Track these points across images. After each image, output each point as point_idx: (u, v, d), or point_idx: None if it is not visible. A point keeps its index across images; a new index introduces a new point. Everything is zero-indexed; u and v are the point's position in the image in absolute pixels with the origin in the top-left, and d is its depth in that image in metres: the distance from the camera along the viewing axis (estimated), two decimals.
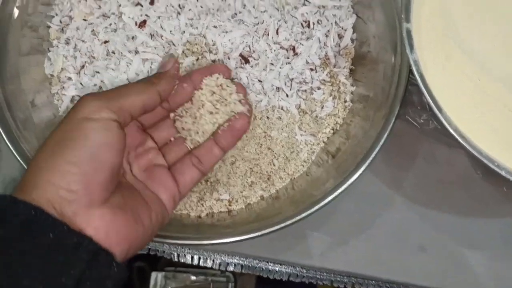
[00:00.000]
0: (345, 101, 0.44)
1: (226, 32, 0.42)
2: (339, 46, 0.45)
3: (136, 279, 0.93)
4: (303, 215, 0.38)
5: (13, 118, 0.40)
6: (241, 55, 0.42)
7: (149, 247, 0.47)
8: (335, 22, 0.44)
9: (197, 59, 0.42)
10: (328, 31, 0.44)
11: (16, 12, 0.42)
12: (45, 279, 0.27)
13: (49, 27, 0.44)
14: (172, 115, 0.40)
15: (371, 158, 0.39)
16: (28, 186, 0.29)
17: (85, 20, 0.43)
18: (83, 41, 0.43)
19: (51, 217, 0.28)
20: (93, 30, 0.43)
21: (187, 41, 0.42)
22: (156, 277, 0.87)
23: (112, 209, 0.30)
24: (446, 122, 0.36)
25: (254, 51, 0.43)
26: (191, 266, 0.79)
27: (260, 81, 0.42)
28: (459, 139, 0.35)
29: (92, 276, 0.28)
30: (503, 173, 0.34)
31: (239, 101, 0.39)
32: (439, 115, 0.36)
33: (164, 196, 0.35)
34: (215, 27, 0.42)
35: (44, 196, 0.28)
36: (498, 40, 0.38)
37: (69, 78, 0.43)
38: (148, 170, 0.37)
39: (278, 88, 0.43)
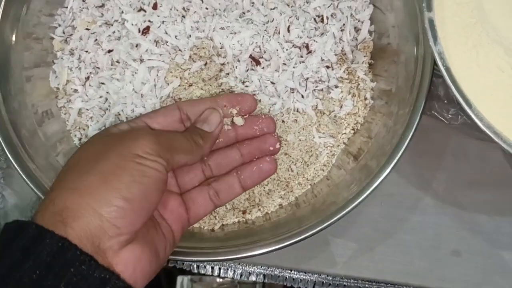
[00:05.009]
0: (365, 99, 0.42)
1: (234, 33, 0.40)
2: (356, 40, 0.43)
3: (164, 282, 0.93)
4: (325, 224, 0.36)
5: (19, 136, 0.39)
6: (251, 56, 0.40)
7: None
8: (351, 15, 0.42)
9: (205, 64, 0.40)
10: (344, 24, 0.42)
11: (17, 25, 0.41)
12: None
13: (52, 38, 0.43)
14: None
15: (396, 159, 0.37)
16: (70, 214, 0.28)
17: (87, 29, 0.42)
18: (86, 51, 0.42)
19: (79, 250, 0.27)
20: (96, 39, 0.42)
21: (194, 45, 0.40)
22: (182, 280, 0.86)
23: (140, 243, 0.30)
24: (477, 118, 0.33)
25: (265, 52, 0.41)
26: None
27: (272, 83, 0.40)
28: (493, 136, 0.33)
29: None
30: None
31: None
32: (469, 111, 0.33)
33: (174, 226, 0.34)
34: (222, 28, 0.40)
35: (86, 228, 0.27)
36: None
37: (75, 91, 0.42)
38: None
39: (292, 89, 0.41)
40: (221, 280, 0.88)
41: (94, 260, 0.27)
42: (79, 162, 0.31)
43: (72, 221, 0.27)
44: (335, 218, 0.36)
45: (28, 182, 0.37)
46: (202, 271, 0.48)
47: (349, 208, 0.36)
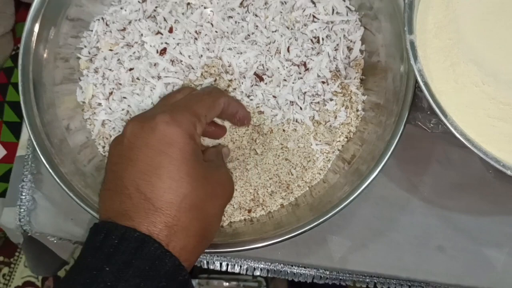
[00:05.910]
0: (357, 110, 0.46)
1: (241, 53, 0.45)
2: (349, 58, 0.46)
3: None
4: (321, 220, 0.40)
5: (51, 144, 0.43)
6: (255, 73, 0.45)
7: None
8: (344, 36, 0.46)
9: (215, 80, 0.45)
10: (337, 45, 0.45)
11: (48, 46, 0.45)
12: None
13: (79, 58, 0.48)
14: None
15: (383, 162, 0.40)
16: (186, 254, 0.33)
17: (111, 50, 0.47)
18: (110, 69, 0.46)
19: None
20: (119, 59, 0.46)
21: (205, 64, 0.45)
22: None
23: None
24: (452, 127, 0.37)
25: (267, 69, 0.45)
26: (223, 272, 0.82)
27: (274, 96, 0.45)
28: (466, 143, 0.37)
29: None
30: (508, 172, 0.36)
31: None
32: (445, 120, 0.37)
33: None
34: (230, 49, 0.45)
35: (189, 258, 0.34)
36: (505, 46, 0.39)
37: (99, 104, 0.46)
38: None
39: (292, 102, 0.45)
40: (227, 284, 0.91)
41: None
42: (195, 205, 0.34)
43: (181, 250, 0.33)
44: (330, 215, 0.39)
45: (61, 184, 0.41)
46: (212, 267, 0.51)
47: (342, 206, 0.39)
